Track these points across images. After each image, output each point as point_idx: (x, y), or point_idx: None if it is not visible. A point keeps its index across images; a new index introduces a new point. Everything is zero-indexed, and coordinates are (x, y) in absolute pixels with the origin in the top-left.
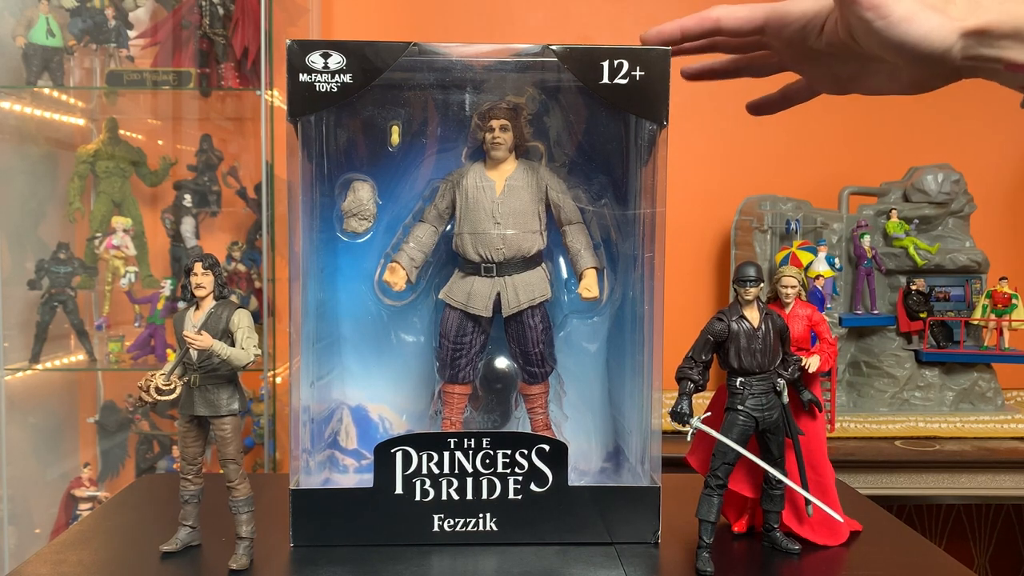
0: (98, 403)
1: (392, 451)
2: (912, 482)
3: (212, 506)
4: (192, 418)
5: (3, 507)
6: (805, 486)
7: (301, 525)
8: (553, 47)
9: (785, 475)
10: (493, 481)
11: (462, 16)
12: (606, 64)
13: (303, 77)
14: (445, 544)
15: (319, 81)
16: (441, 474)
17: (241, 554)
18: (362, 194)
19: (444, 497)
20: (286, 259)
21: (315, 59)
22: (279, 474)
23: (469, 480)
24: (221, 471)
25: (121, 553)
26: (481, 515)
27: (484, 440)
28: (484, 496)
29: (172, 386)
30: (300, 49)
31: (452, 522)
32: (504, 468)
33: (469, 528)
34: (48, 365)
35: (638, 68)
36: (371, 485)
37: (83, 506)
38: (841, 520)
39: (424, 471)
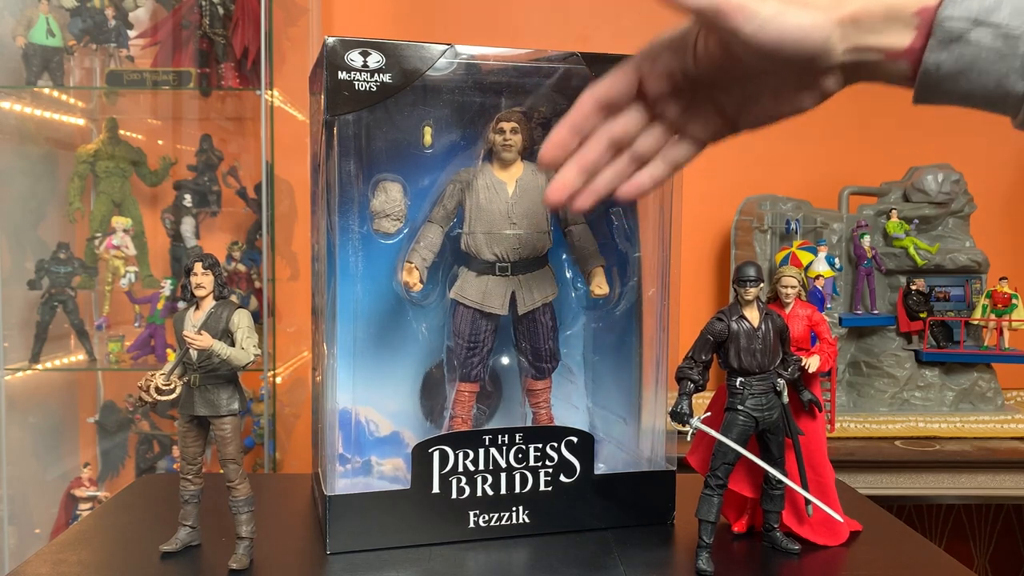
0: (98, 403)
1: (430, 451)
2: (912, 482)
3: (212, 506)
4: (192, 418)
5: (3, 507)
6: (805, 486)
7: (338, 532)
8: (581, 54)
9: (785, 475)
10: (525, 475)
11: (462, 17)
12: None
13: (342, 75)
14: (479, 539)
15: (358, 80)
16: (477, 471)
17: (241, 554)
18: (394, 194)
19: (479, 493)
20: (286, 259)
21: (354, 57)
22: (279, 474)
23: (503, 475)
24: (221, 471)
25: (121, 553)
26: (514, 508)
27: (517, 435)
28: (517, 490)
29: (172, 386)
30: (339, 46)
31: (487, 517)
32: (536, 461)
33: (503, 522)
34: (48, 365)
35: None
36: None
37: (83, 506)
38: (841, 520)
39: (460, 469)
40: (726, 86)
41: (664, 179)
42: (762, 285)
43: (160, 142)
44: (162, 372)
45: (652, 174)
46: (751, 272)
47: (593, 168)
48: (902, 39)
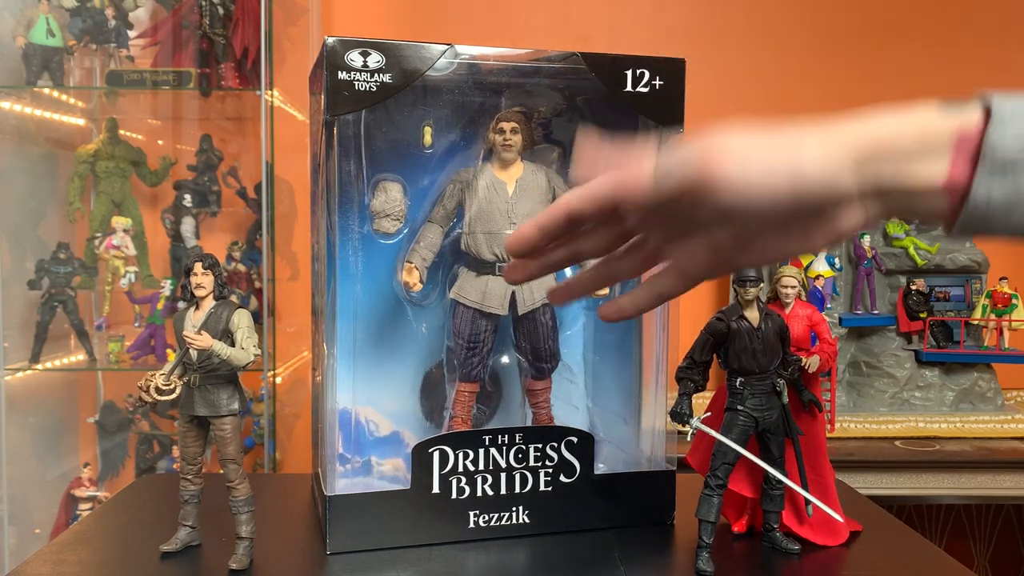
0: (98, 403)
1: (430, 451)
2: (912, 482)
3: (212, 506)
4: (192, 418)
5: (3, 507)
6: (805, 486)
7: (338, 532)
8: (581, 54)
9: (785, 475)
10: (525, 475)
11: (462, 17)
12: (629, 73)
13: (342, 75)
14: (479, 539)
15: (358, 80)
16: (477, 471)
17: (241, 554)
18: (394, 194)
19: (479, 493)
20: (286, 259)
21: (354, 57)
22: (279, 474)
23: (503, 475)
24: (221, 471)
25: (121, 553)
26: (514, 508)
27: (517, 435)
28: (517, 490)
29: (172, 386)
30: (339, 46)
31: (487, 517)
32: (536, 462)
33: (503, 522)
34: (48, 365)
35: (658, 78)
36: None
37: (83, 506)
38: (841, 520)
39: (460, 469)
40: (720, 220)
41: (650, 308)
42: (762, 285)
43: (160, 142)
44: (162, 372)
45: (635, 301)
46: (751, 272)
47: (559, 268)
48: (938, 169)
